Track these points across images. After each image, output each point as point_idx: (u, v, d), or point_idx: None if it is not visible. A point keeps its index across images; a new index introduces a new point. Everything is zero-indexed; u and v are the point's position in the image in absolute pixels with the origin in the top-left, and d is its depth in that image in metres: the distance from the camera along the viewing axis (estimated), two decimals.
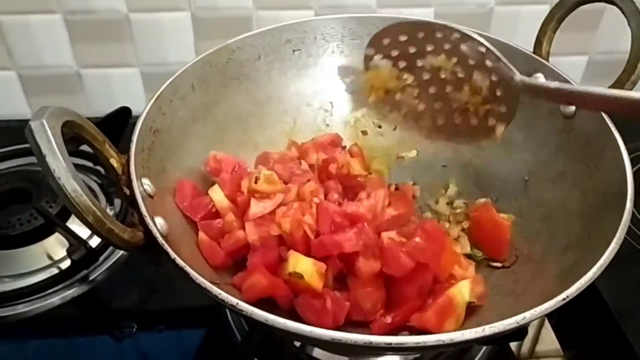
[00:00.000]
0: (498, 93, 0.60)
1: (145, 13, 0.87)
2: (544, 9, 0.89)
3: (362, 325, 0.53)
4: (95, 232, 0.43)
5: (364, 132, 0.74)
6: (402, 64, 0.66)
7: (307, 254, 0.53)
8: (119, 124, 0.83)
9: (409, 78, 0.67)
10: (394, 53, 0.66)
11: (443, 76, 0.64)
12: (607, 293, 0.65)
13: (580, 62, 0.99)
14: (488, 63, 0.60)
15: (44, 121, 0.42)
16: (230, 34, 0.69)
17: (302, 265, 0.51)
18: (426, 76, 0.66)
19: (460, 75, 0.63)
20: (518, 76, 0.58)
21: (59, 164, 0.41)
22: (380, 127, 0.73)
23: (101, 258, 0.68)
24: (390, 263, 0.52)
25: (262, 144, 0.70)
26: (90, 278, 0.67)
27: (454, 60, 0.63)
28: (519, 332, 0.57)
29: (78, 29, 0.88)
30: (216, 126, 0.66)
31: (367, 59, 0.68)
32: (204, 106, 0.65)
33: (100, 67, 0.92)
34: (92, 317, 0.67)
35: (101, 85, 0.94)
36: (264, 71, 0.71)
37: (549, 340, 0.66)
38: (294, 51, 0.72)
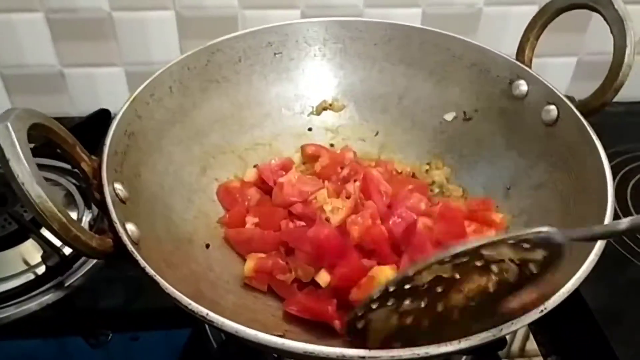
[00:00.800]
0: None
1: (129, 12, 0.86)
2: (533, 9, 0.87)
3: None
4: (61, 239, 0.42)
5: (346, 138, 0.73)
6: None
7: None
8: (98, 126, 0.81)
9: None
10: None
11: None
12: (591, 298, 0.64)
13: (569, 63, 0.99)
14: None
15: (9, 124, 0.40)
16: (215, 33, 0.68)
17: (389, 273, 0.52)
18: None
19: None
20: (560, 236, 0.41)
21: (23, 168, 0.40)
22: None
23: (76, 265, 0.67)
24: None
25: (242, 147, 0.69)
26: (66, 284, 0.65)
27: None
28: (499, 343, 0.57)
29: (60, 27, 0.86)
30: (194, 130, 0.65)
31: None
32: (182, 109, 0.64)
33: (83, 66, 0.91)
34: (68, 324, 0.66)
35: (85, 85, 0.93)
36: (244, 74, 0.70)
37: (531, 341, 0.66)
38: (275, 54, 0.71)
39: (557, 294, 0.43)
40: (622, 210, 0.75)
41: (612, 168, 0.79)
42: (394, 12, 0.89)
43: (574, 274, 0.44)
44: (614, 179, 0.77)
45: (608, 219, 0.48)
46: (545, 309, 0.42)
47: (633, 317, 0.63)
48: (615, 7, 0.55)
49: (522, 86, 0.63)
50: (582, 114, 0.57)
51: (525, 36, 0.64)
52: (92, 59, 0.90)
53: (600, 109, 0.57)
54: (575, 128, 0.57)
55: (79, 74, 0.92)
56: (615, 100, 1.01)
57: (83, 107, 0.94)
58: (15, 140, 0.40)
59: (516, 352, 0.65)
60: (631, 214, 0.74)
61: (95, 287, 0.67)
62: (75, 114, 0.95)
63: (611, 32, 0.55)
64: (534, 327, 0.66)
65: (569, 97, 0.59)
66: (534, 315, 0.42)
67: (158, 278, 0.43)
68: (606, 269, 0.59)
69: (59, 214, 0.41)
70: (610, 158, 0.81)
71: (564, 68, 0.99)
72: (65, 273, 0.66)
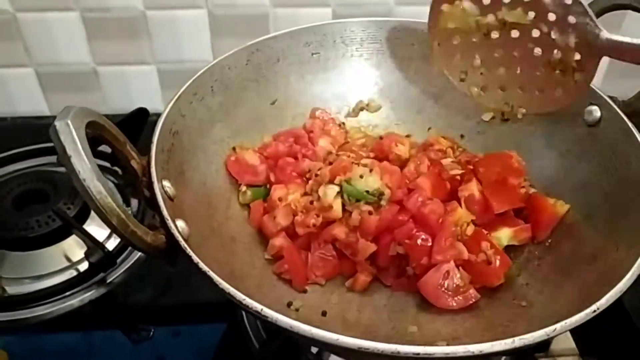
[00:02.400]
0: (576, 57, 0.57)
1: (162, 10, 0.87)
2: None
3: None
4: (118, 234, 0.43)
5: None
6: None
7: None
8: (136, 125, 0.83)
9: (484, 27, 0.62)
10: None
11: (516, 36, 0.60)
12: (627, 298, 0.63)
13: (602, 62, 0.97)
14: (571, 19, 0.55)
15: (69, 121, 0.41)
16: (247, 32, 0.69)
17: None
18: (496, 35, 0.62)
19: (536, 34, 0.59)
20: (604, 33, 0.53)
21: (84, 165, 0.41)
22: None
23: (118, 261, 0.68)
24: None
25: None
26: (108, 280, 0.67)
27: (532, 15, 0.57)
28: (543, 343, 0.56)
29: (95, 26, 0.88)
30: (234, 128, 0.66)
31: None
32: (222, 108, 0.65)
33: (117, 65, 0.93)
34: (110, 320, 0.67)
35: (118, 83, 0.95)
36: (282, 74, 0.70)
37: (564, 340, 0.65)
38: (312, 54, 0.71)
39: (609, 295, 0.43)
40: None
41: None
42: (424, 9, 0.88)
43: (624, 274, 0.44)
44: None
45: None
46: (597, 309, 0.42)
47: None
48: None
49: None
50: (625, 114, 0.57)
51: None
52: (126, 57, 0.92)
53: None
54: (618, 129, 0.56)
55: (112, 72, 0.93)
56: None
57: (116, 105, 0.96)
58: (75, 137, 0.41)
59: (541, 354, 0.64)
60: None
61: (136, 283, 0.68)
62: (107, 111, 0.96)
63: None
64: None
65: (611, 98, 0.59)
66: (586, 315, 0.42)
67: (211, 274, 0.44)
68: None
69: (118, 210, 0.42)
70: None
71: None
72: (109, 269, 0.67)
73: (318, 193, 0.58)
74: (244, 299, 0.42)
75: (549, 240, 0.59)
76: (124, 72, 0.93)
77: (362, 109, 0.73)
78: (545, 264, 0.57)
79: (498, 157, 0.64)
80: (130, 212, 0.74)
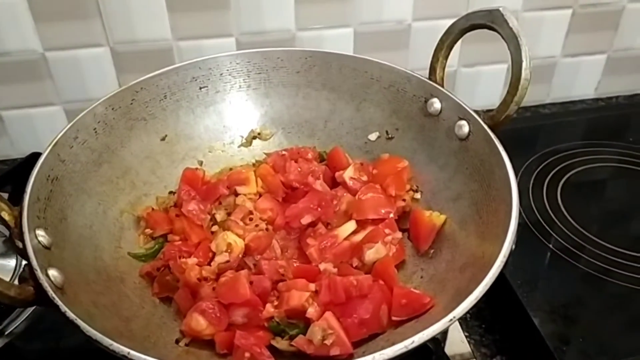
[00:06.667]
0: None
1: (63, 51, 0.86)
2: None
3: None
4: None
5: None
6: None
7: None
8: (29, 171, 0.81)
9: None
10: None
11: None
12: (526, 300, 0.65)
13: (599, 61, 1.05)
14: None
15: None
16: (152, 65, 0.69)
17: None
18: None
19: None
20: None
21: None
22: None
23: (16, 312, 0.66)
24: None
25: (173, 182, 0.70)
26: (7, 332, 0.65)
27: None
28: (426, 354, 0.59)
29: None
30: (123, 168, 0.66)
31: None
32: (108, 149, 0.65)
33: (21, 108, 0.91)
34: None
35: (24, 126, 0.93)
36: (171, 110, 0.71)
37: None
38: (200, 88, 0.73)
39: (464, 303, 0.46)
40: (552, 207, 0.77)
41: (546, 166, 0.84)
42: (325, 33, 0.91)
43: (480, 282, 0.47)
44: (546, 177, 0.82)
45: (512, 226, 0.50)
46: (454, 317, 0.45)
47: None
48: (510, 25, 0.58)
49: (436, 104, 0.66)
50: (490, 127, 0.60)
51: (435, 57, 0.67)
52: (29, 100, 0.90)
53: (506, 121, 0.60)
54: (484, 141, 0.60)
55: (17, 115, 0.92)
56: (550, 101, 1.07)
57: (25, 148, 0.93)
58: None
59: None
60: (561, 211, 0.76)
61: (38, 331, 0.66)
62: (16, 155, 0.94)
63: (508, 49, 0.58)
64: (478, 337, 0.67)
65: (477, 112, 0.62)
66: (443, 325, 0.44)
67: (79, 322, 0.44)
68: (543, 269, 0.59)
69: None
70: (544, 157, 0.86)
71: (594, 65, 1.05)
72: (5, 321, 0.65)
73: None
74: (111, 344, 0.43)
75: (432, 251, 0.62)
76: (29, 114, 0.92)
77: (254, 138, 0.75)
78: (427, 275, 0.60)
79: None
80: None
